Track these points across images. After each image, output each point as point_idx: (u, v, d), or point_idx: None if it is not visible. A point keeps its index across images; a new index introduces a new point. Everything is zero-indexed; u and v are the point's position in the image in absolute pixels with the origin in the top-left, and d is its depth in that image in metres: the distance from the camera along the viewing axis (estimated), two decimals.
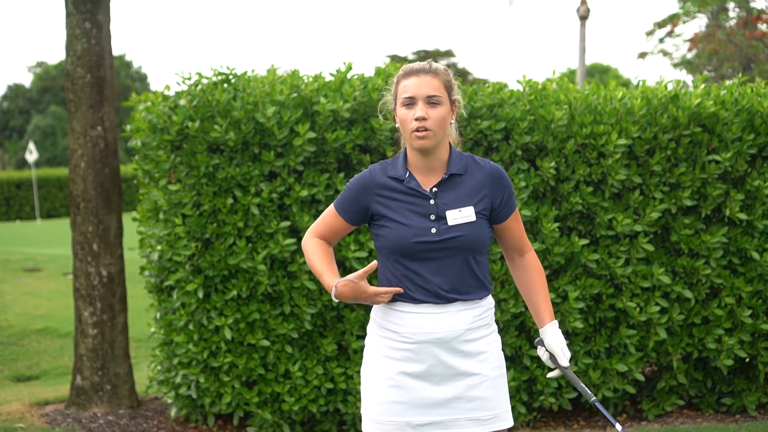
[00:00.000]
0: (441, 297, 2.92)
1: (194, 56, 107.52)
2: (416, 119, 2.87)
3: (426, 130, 2.88)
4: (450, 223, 2.91)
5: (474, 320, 2.95)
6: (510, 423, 3.02)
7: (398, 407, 2.94)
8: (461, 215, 2.92)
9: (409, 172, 2.96)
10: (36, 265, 14.33)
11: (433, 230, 2.91)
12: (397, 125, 2.99)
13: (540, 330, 3.07)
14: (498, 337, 3.05)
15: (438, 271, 2.92)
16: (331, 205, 3.06)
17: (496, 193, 2.98)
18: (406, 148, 3.01)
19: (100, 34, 6.02)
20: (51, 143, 51.63)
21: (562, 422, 5.67)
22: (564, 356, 3.02)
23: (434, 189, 2.94)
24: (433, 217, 2.92)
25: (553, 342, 3.03)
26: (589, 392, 3.01)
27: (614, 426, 3.01)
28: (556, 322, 3.05)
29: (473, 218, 2.93)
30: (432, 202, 2.93)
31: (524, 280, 3.11)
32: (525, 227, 5.37)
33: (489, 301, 3.03)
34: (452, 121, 2.99)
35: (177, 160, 5.40)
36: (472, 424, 2.95)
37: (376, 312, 3.04)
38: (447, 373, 2.94)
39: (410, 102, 2.90)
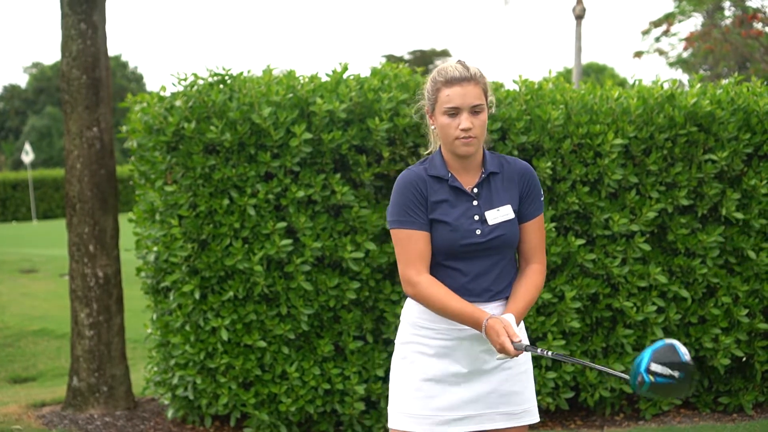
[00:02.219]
0: (483, 297, 2.96)
1: (190, 57, 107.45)
2: (463, 129, 2.89)
3: (472, 137, 2.91)
4: (490, 222, 2.94)
5: None
6: (537, 418, 3.08)
7: (432, 402, 2.98)
8: (500, 214, 2.96)
9: (451, 173, 2.98)
10: (32, 266, 14.33)
11: (478, 231, 2.94)
12: (432, 127, 3.02)
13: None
14: (525, 333, 3.10)
15: (482, 270, 2.96)
16: (400, 231, 2.94)
17: (524, 187, 3.02)
18: (440, 150, 3.02)
19: (95, 35, 6.01)
20: (47, 144, 51.60)
21: (559, 422, 5.66)
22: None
23: (475, 189, 2.98)
24: (477, 217, 2.95)
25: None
26: (545, 351, 2.81)
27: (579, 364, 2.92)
28: (513, 316, 2.91)
29: (511, 215, 2.98)
30: (475, 202, 2.96)
31: (516, 283, 3.05)
32: None
33: None
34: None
35: (173, 161, 5.39)
36: (503, 418, 3.00)
37: (410, 311, 3.05)
38: (481, 368, 2.98)
39: (454, 112, 2.91)
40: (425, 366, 2.99)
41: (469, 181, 2.99)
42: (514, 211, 2.99)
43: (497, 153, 3.08)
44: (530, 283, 3.01)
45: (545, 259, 3.07)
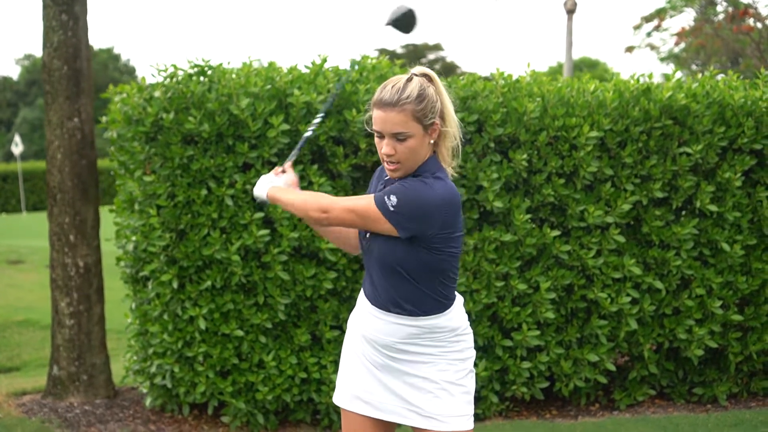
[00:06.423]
0: (376, 302, 2.96)
1: (182, 48, 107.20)
2: (385, 154, 2.82)
3: (395, 162, 2.83)
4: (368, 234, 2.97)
5: (410, 338, 2.93)
6: (453, 428, 2.93)
7: (354, 379, 3.04)
8: None
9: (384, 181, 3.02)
10: (19, 257, 14.33)
11: (364, 241, 3.00)
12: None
13: None
14: (459, 348, 2.98)
15: (376, 280, 2.96)
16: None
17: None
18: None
19: (76, 26, 6.02)
20: (39, 136, 51.52)
21: (534, 411, 5.72)
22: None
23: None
24: None
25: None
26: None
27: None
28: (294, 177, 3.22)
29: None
30: None
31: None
32: (497, 219, 5.43)
33: (432, 323, 2.92)
34: (431, 141, 2.85)
35: (152, 151, 5.42)
36: (412, 414, 2.96)
37: (360, 297, 3.13)
38: (391, 365, 2.98)
39: (379, 135, 2.82)
40: (356, 348, 3.06)
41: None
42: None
43: (424, 178, 2.84)
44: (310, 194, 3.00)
45: (331, 206, 2.89)
